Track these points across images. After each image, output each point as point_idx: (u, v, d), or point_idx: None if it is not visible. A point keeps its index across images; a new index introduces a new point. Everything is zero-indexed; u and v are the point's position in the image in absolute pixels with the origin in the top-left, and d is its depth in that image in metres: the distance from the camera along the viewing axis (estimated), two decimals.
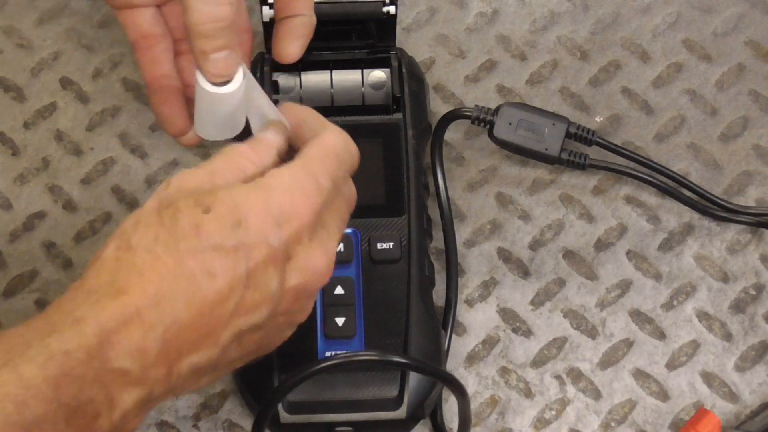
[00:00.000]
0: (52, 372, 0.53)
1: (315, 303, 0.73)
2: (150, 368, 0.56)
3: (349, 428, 0.71)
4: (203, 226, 0.58)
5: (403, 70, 0.79)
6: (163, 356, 0.57)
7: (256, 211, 0.59)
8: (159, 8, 0.76)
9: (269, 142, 0.65)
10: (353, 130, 0.78)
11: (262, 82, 0.78)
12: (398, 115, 0.78)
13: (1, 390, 0.52)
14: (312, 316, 0.72)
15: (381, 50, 0.79)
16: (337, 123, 0.77)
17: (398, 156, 0.77)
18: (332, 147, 0.64)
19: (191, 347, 0.58)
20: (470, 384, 0.76)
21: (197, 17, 0.64)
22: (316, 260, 0.62)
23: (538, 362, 0.77)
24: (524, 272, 0.79)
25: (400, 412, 0.71)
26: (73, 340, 0.54)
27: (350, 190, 0.66)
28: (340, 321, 0.73)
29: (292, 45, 0.75)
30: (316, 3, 0.76)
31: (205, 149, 0.82)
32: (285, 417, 0.71)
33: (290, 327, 0.65)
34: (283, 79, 0.78)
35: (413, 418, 0.72)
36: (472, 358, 0.77)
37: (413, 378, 0.71)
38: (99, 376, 0.54)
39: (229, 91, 0.66)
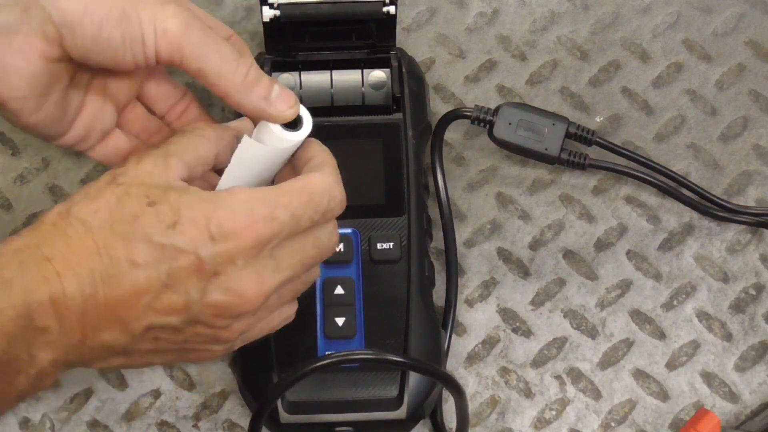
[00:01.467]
0: None
1: (315, 303, 0.73)
2: (66, 333, 0.59)
3: (349, 428, 0.71)
4: (141, 217, 0.59)
5: (403, 70, 0.79)
6: (79, 324, 0.59)
7: (196, 219, 0.60)
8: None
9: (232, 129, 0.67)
10: (353, 130, 0.78)
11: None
12: (398, 115, 0.78)
13: None
14: (312, 316, 0.73)
15: (381, 50, 0.79)
16: (337, 123, 0.78)
17: (398, 156, 0.77)
18: (311, 186, 0.63)
19: (104, 325, 0.59)
20: (470, 384, 0.76)
21: (235, 72, 0.64)
22: (245, 285, 0.61)
23: (538, 362, 0.77)
24: (524, 272, 0.79)
25: (400, 412, 0.71)
26: (3, 299, 0.57)
27: (328, 238, 0.65)
28: (340, 321, 0.73)
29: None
30: (316, 3, 0.76)
31: None
32: (285, 417, 0.71)
33: (217, 342, 0.64)
34: (284, 80, 0.78)
35: (413, 418, 0.72)
36: (472, 358, 0.77)
37: (413, 378, 0.71)
38: (24, 334, 0.57)
39: (305, 135, 0.66)
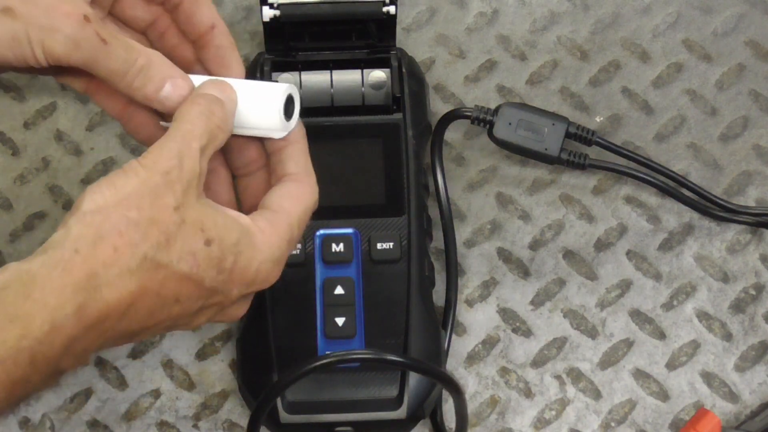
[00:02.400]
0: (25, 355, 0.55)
1: (315, 303, 0.73)
2: (88, 347, 0.58)
3: (349, 428, 0.71)
4: (197, 256, 0.59)
5: (403, 70, 0.79)
6: (102, 336, 0.58)
7: (244, 268, 0.61)
8: None
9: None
10: (353, 130, 0.78)
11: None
12: (398, 115, 0.78)
13: None
14: (312, 316, 0.73)
15: (381, 50, 0.79)
16: (337, 123, 0.78)
17: (398, 156, 0.77)
18: (310, 204, 0.65)
19: (129, 336, 0.60)
20: (470, 384, 0.76)
21: (126, 73, 0.64)
22: (242, 313, 0.65)
23: (538, 362, 0.77)
24: (524, 272, 0.79)
25: (400, 412, 0.71)
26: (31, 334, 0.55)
27: None
28: (340, 321, 0.73)
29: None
30: (316, 3, 0.76)
31: None
32: (285, 417, 0.71)
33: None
34: (284, 79, 0.78)
35: (413, 418, 0.72)
36: (472, 358, 0.77)
37: (413, 378, 0.71)
38: (55, 361, 0.56)
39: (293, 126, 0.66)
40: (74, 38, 0.61)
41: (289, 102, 0.65)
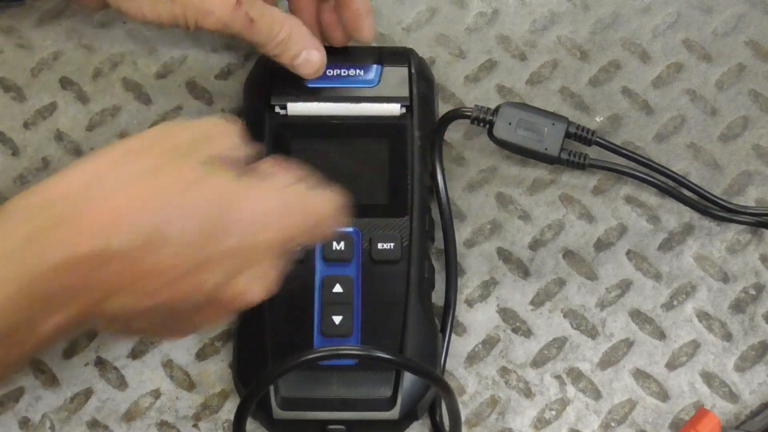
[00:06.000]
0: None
1: (313, 300, 0.73)
2: (83, 296, 0.57)
3: (342, 427, 0.71)
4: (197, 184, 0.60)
5: (413, 71, 0.79)
6: (100, 287, 0.57)
7: (246, 208, 0.60)
8: None
9: None
10: (360, 129, 0.78)
11: (268, 79, 0.78)
12: (407, 116, 0.78)
13: None
14: (309, 314, 0.73)
15: (394, 49, 0.80)
16: (344, 121, 0.78)
17: (404, 157, 0.77)
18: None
19: (126, 291, 0.58)
20: (470, 384, 0.76)
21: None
22: (255, 294, 0.62)
23: (538, 362, 0.77)
24: (524, 272, 0.79)
25: (393, 413, 0.71)
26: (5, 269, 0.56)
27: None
28: (337, 319, 0.73)
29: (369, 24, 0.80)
30: None
31: None
32: (278, 413, 0.71)
33: (211, 321, 0.64)
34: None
35: (406, 419, 0.72)
36: (472, 358, 0.77)
37: (407, 379, 0.71)
38: (28, 306, 0.56)
39: None
40: (224, 20, 0.73)
41: None
